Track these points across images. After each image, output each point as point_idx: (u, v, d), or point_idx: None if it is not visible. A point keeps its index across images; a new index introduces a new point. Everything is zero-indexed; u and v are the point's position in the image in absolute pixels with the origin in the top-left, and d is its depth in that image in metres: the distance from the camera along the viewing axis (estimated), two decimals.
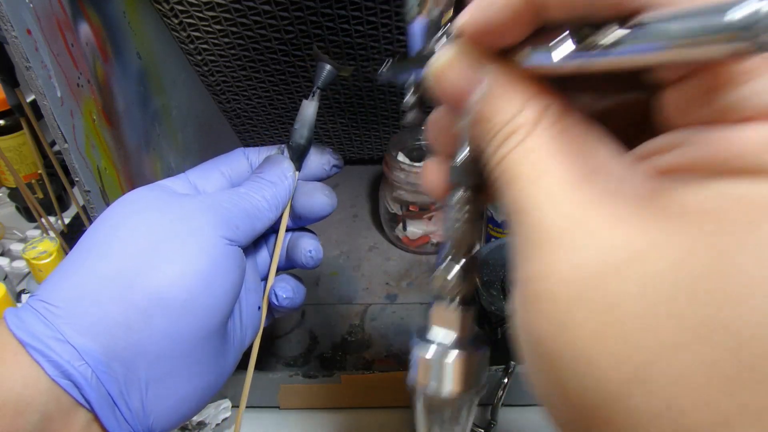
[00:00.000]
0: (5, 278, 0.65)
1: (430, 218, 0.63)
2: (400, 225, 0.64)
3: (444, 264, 0.21)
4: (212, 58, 0.59)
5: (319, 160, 0.38)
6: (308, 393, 0.50)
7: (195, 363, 0.29)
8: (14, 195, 0.76)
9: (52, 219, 0.69)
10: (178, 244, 0.28)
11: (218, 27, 0.55)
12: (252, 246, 0.38)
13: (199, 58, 0.59)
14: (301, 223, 0.38)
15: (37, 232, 0.69)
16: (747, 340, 0.11)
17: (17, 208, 0.77)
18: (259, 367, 0.52)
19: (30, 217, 0.76)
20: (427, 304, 0.22)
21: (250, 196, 0.33)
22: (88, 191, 0.37)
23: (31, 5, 0.32)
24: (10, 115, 0.72)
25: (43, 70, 0.33)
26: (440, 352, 0.21)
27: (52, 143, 0.70)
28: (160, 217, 0.29)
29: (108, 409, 0.26)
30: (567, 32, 0.14)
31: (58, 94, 0.34)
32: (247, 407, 0.51)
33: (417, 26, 0.25)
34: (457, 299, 0.21)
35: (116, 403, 0.27)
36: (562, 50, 0.14)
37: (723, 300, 0.11)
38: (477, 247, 0.21)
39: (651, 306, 0.12)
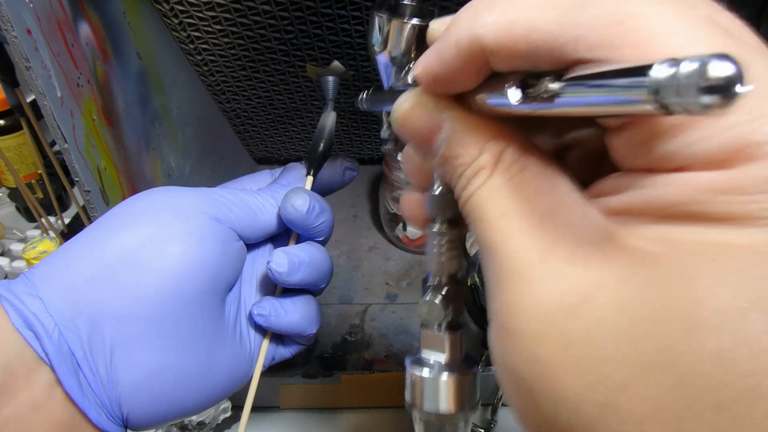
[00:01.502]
0: (5, 278, 0.65)
1: None
2: (400, 225, 0.64)
3: (428, 293, 0.21)
4: (212, 58, 0.59)
5: (332, 166, 0.38)
6: (308, 393, 0.50)
7: (167, 334, 0.28)
8: (14, 195, 0.76)
9: (52, 219, 0.69)
10: (155, 212, 0.29)
11: (218, 27, 0.55)
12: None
13: (199, 58, 0.59)
14: (305, 235, 0.35)
15: (37, 232, 0.69)
16: (682, 379, 0.12)
17: (17, 208, 0.77)
18: None
19: (30, 217, 0.76)
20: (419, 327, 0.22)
21: (258, 194, 0.34)
22: (88, 191, 0.37)
23: (31, 5, 0.32)
24: (10, 115, 0.72)
25: (43, 70, 0.33)
26: (434, 373, 0.21)
27: (52, 143, 0.70)
28: (151, 199, 0.31)
29: (69, 370, 0.25)
30: (511, 82, 0.15)
31: (58, 94, 0.34)
32: None
33: (382, 60, 0.26)
34: (444, 324, 0.21)
35: (80, 365, 0.26)
36: (511, 97, 0.15)
37: (659, 341, 0.12)
38: (459, 275, 0.22)
39: (597, 347, 0.13)
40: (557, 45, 0.13)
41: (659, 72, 0.11)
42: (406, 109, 0.18)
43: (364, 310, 0.59)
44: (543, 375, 0.14)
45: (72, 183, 0.39)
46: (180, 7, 0.52)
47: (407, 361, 0.23)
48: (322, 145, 0.36)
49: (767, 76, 0.12)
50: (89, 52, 0.39)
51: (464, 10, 0.15)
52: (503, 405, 0.46)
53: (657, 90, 0.11)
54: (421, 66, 0.17)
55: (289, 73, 0.62)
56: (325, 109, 0.36)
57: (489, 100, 0.16)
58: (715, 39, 0.13)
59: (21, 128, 0.71)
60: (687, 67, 0.10)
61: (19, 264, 0.66)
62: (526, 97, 0.15)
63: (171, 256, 0.28)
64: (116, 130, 0.42)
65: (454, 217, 0.21)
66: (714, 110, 0.10)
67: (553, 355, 0.14)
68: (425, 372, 0.21)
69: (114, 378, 0.27)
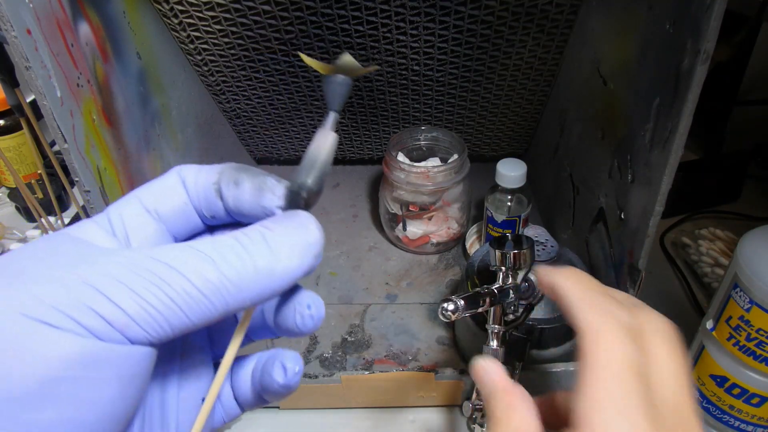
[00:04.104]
0: None
1: (430, 218, 0.63)
2: (400, 225, 0.64)
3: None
4: (212, 58, 0.59)
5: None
6: (308, 393, 0.50)
7: None
8: (14, 195, 0.76)
9: (52, 219, 0.69)
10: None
11: (218, 27, 0.55)
12: None
13: (199, 58, 0.59)
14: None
15: (37, 232, 0.69)
16: None
17: (17, 208, 0.77)
18: None
19: (30, 217, 0.76)
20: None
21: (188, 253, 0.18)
22: (88, 191, 0.37)
23: (31, 5, 0.32)
24: (10, 115, 0.72)
25: (42, 70, 0.33)
26: None
27: (52, 143, 0.70)
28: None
29: None
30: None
31: (58, 94, 0.34)
32: None
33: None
34: None
35: None
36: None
37: None
38: None
39: None
40: None
41: None
42: (481, 364, 0.28)
43: (364, 310, 0.59)
44: None
45: (72, 183, 0.39)
46: (180, 7, 0.52)
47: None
48: (313, 176, 0.22)
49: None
50: (89, 52, 0.39)
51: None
52: None
53: None
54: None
55: (289, 73, 0.62)
56: (324, 123, 0.23)
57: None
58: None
59: (21, 128, 0.71)
60: None
61: None
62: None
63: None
64: (116, 130, 0.42)
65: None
66: None
67: None
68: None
69: None
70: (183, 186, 0.22)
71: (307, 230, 0.20)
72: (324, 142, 0.22)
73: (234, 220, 0.23)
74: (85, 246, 0.19)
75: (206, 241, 0.19)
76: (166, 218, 0.22)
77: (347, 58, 0.22)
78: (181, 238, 0.23)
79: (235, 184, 0.22)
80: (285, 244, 0.19)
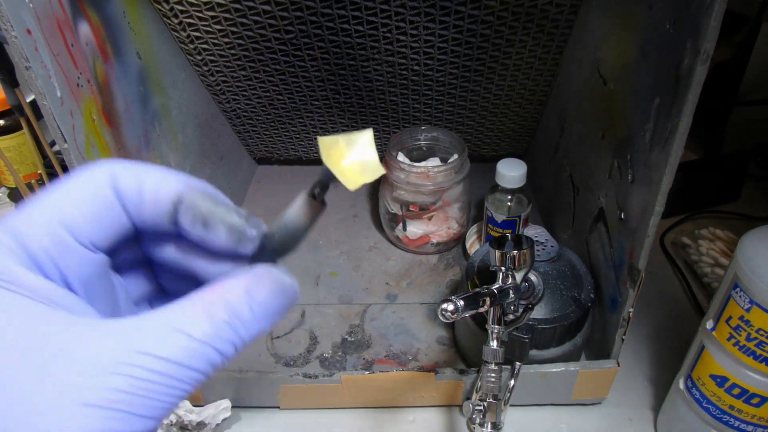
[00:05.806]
0: None
1: (430, 218, 0.63)
2: (400, 225, 0.64)
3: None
4: (212, 58, 0.59)
5: None
6: (308, 393, 0.50)
7: None
8: (14, 195, 0.76)
9: None
10: None
11: (218, 27, 0.55)
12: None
13: (199, 58, 0.59)
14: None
15: None
16: None
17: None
18: (259, 367, 0.52)
19: None
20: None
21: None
22: None
23: (31, 5, 0.32)
24: (10, 115, 0.72)
25: (43, 70, 0.33)
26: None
27: (52, 143, 0.70)
28: None
29: None
30: None
31: (58, 94, 0.34)
32: (247, 407, 0.51)
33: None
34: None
35: None
36: None
37: None
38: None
39: None
40: None
41: None
42: None
43: (364, 310, 0.59)
44: None
45: None
46: (180, 7, 0.52)
47: None
48: (293, 245, 0.22)
49: None
50: (89, 52, 0.39)
51: None
52: (511, 405, 0.46)
53: None
54: None
55: (289, 73, 0.62)
56: (311, 192, 0.22)
57: None
58: None
59: (21, 128, 0.71)
60: None
61: None
62: None
63: None
64: (116, 130, 0.42)
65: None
66: None
67: None
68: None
69: None
70: (114, 192, 0.19)
71: (287, 293, 0.20)
72: (299, 200, 0.22)
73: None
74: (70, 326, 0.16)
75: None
76: (84, 229, 0.18)
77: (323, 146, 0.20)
78: (86, 240, 0.18)
79: (203, 225, 0.20)
80: (267, 311, 0.19)
